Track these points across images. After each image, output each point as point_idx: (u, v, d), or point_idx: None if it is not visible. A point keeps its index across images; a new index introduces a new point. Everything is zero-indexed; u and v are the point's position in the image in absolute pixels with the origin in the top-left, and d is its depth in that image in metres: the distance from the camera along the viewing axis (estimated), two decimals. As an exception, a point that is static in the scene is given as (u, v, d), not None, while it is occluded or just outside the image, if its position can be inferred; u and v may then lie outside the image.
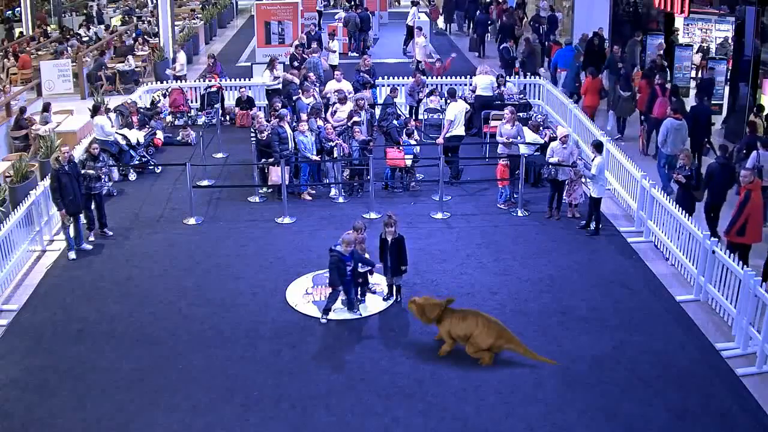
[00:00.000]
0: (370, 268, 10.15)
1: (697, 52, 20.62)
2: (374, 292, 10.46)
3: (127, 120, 16.14)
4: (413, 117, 17.40)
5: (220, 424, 7.97)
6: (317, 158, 13.79)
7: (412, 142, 14.44)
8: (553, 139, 13.63)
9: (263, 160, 13.85)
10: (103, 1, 36.17)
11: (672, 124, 13.67)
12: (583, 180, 12.65)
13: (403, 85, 19.32)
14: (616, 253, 11.71)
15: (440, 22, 32.42)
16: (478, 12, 27.81)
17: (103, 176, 12.42)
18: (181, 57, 21.30)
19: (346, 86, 16.79)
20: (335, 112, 15.28)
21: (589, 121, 15.83)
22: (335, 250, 9.64)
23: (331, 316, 9.97)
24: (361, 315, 10.01)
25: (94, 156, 12.26)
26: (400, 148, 14.21)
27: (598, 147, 12.37)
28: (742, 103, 16.22)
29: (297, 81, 17.64)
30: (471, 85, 17.68)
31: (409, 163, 14.12)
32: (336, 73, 17.27)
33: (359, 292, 10.28)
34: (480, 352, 8.82)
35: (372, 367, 8.86)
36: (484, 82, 17.10)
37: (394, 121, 15.09)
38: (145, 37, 26.54)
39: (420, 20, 26.80)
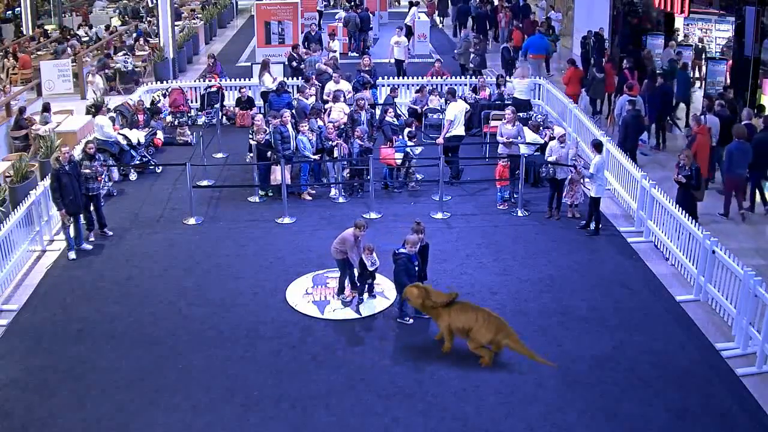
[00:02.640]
0: (377, 266, 10.18)
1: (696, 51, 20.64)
2: (374, 296, 10.46)
3: (131, 119, 16.14)
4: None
5: (220, 424, 7.97)
6: (316, 157, 13.79)
7: (410, 142, 14.42)
8: (553, 138, 13.64)
9: (264, 160, 13.84)
10: (102, 2, 36.21)
11: (626, 99, 15.39)
12: (582, 180, 12.66)
13: (403, 85, 19.41)
14: (616, 253, 11.71)
15: (436, 18, 33.04)
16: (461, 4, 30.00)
17: (101, 177, 12.40)
18: (99, 81, 19.27)
19: (345, 87, 16.81)
20: (330, 112, 15.30)
21: (590, 121, 15.84)
22: (401, 252, 9.66)
23: (331, 315, 9.99)
24: (361, 315, 10.02)
25: (90, 155, 12.25)
26: (391, 145, 14.24)
27: (597, 147, 12.39)
28: (742, 103, 16.23)
29: (330, 70, 18.08)
30: (509, 88, 17.81)
31: (399, 161, 14.07)
32: (335, 75, 17.29)
33: (366, 290, 10.34)
34: (481, 349, 8.82)
35: (372, 367, 8.86)
36: (521, 86, 17.43)
37: (394, 120, 15.09)
38: (146, 37, 26.56)
39: (420, 20, 26.87)
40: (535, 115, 16.62)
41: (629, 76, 17.18)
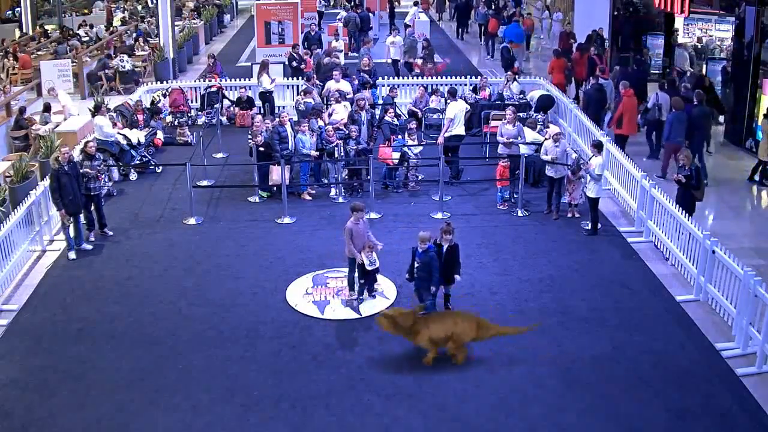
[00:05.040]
0: (377, 266, 10.17)
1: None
2: (374, 296, 10.46)
3: (132, 119, 16.13)
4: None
5: (220, 424, 7.97)
6: (315, 153, 13.78)
7: (409, 141, 14.41)
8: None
9: (264, 161, 13.84)
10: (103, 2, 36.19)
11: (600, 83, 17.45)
12: (582, 180, 12.66)
13: (403, 85, 19.43)
14: (616, 253, 11.71)
15: (432, 14, 33.59)
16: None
17: (101, 176, 12.40)
18: (63, 97, 17.92)
19: (345, 87, 16.81)
20: (332, 113, 15.30)
21: (589, 121, 15.84)
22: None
23: (331, 315, 9.99)
24: (361, 315, 10.02)
25: (90, 155, 12.24)
26: (389, 144, 14.24)
27: (598, 147, 12.39)
28: (742, 103, 16.23)
29: (342, 63, 18.38)
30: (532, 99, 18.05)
31: (396, 160, 14.06)
32: (335, 73, 17.28)
33: (367, 290, 10.33)
34: (458, 348, 8.78)
35: (372, 367, 8.85)
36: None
37: (394, 119, 15.12)
38: (146, 37, 26.56)
39: (420, 20, 26.90)
40: (534, 115, 16.64)
41: (598, 61, 18.96)
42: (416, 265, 9.57)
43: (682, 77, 17.48)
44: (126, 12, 33.73)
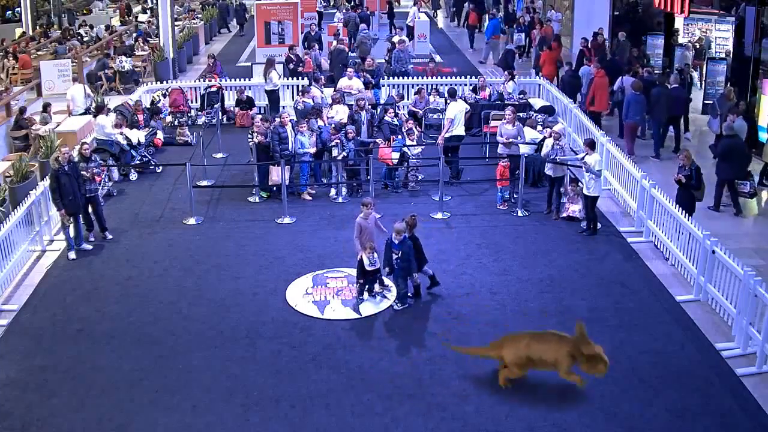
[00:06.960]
0: (378, 266, 10.18)
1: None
2: (374, 296, 10.46)
3: (132, 119, 16.13)
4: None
5: (220, 424, 7.97)
6: (312, 150, 13.78)
7: (409, 140, 14.42)
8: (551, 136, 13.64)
9: (264, 160, 13.84)
10: (102, 2, 36.18)
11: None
12: (581, 186, 12.65)
13: (404, 85, 19.43)
14: (616, 253, 11.71)
15: (427, 10, 33.88)
16: None
17: (99, 177, 12.36)
18: (76, 90, 18.19)
19: (357, 84, 16.81)
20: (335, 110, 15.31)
21: (589, 121, 15.85)
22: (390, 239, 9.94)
23: (331, 315, 9.98)
24: (361, 315, 10.02)
25: (85, 157, 12.22)
26: (389, 144, 14.26)
27: (591, 145, 12.34)
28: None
29: (347, 49, 18.64)
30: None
31: (395, 160, 14.07)
32: (348, 70, 17.31)
33: (367, 289, 10.35)
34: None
35: (372, 367, 8.85)
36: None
37: (393, 119, 15.12)
38: (146, 37, 26.55)
39: (420, 20, 26.92)
40: (534, 115, 16.63)
41: (587, 53, 20.10)
42: (396, 255, 9.78)
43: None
44: (149, 11, 33.63)
